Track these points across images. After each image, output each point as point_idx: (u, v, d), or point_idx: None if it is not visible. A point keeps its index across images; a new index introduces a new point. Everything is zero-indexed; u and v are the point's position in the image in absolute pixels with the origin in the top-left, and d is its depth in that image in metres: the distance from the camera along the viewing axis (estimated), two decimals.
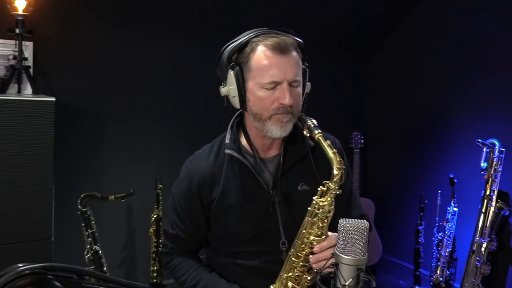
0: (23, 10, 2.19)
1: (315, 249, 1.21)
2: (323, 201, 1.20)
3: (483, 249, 2.38)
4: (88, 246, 2.35)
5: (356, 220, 0.96)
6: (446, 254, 2.67)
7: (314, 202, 1.21)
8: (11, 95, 2.22)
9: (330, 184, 1.19)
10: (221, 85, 1.35)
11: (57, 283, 0.91)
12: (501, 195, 2.44)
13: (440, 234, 2.72)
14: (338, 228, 0.97)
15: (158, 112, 2.81)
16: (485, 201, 2.42)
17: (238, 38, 1.30)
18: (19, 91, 2.30)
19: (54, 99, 2.09)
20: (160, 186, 2.59)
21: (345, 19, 3.18)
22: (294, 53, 1.28)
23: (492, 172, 2.40)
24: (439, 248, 2.71)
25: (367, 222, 0.96)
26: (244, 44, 1.28)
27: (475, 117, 2.86)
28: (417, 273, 2.94)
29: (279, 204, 1.35)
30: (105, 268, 2.37)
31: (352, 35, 3.34)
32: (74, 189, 2.44)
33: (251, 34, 1.29)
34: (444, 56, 3.06)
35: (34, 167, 2.04)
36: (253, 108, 1.30)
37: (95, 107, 2.62)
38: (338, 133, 1.47)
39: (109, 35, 2.60)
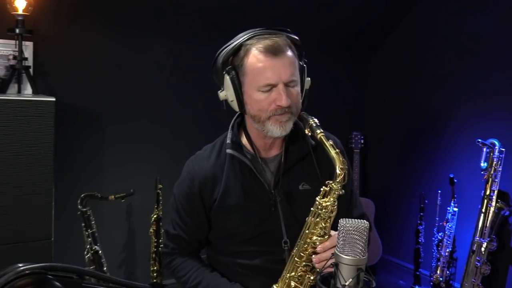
0: (23, 10, 2.19)
1: (318, 249, 1.21)
2: (326, 201, 1.20)
3: (483, 249, 2.38)
4: (88, 246, 2.35)
5: (356, 220, 0.96)
6: (446, 254, 2.67)
7: (317, 202, 1.21)
8: (11, 95, 2.22)
9: (333, 184, 1.19)
10: (220, 90, 1.35)
11: (57, 283, 0.91)
12: (501, 195, 2.44)
13: (440, 234, 2.72)
14: (338, 228, 0.97)
15: (158, 112, 2.81)
16: (485, 201, 2.42)
17: (231, 41, 1.30)
18: (19, 91, 2.30)
19: (54, 99, 2.09)
20: (160, 186, 2.59)
21: (345, 19, 3.18)
22: (289, 53, 1.27)
23: (492, 172, 2.40)
24: (439, 248, 2.71)
25: (367, 222, 0.96)
26: (238, 48, 1.28)
27: (475, 117, 2.86)
28: (417, 273, 2.94)
29: (280, 203, 1.35)
30: (105, 268, 2.37)
31: (352, 35, 3.34)
32: (74, 189, 2.44)
33: (244, 37, 1.28)
34: (444, 56, 3.06)
35: (34, 167, 2.04)
36: (252, 110, 1.31)
37: (95, 107, 2.62)
38: (338, 133, 1.47)
39: (109, 35, 2.60)
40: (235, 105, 1.33)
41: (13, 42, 2.24)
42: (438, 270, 2.68)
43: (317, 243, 1.21)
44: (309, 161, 1.37)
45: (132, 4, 2.60)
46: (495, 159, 2.41)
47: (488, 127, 2.72)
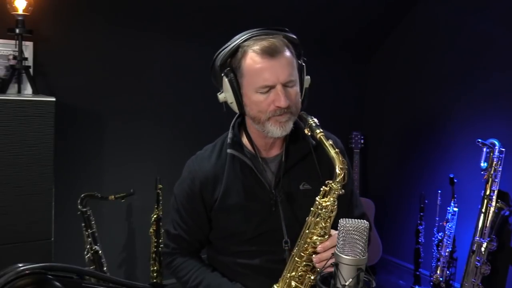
0: (23, 10, 2.19)
1: (318, 249, 1.21)
2: (326, 201, 1.20)
3: (483, 249, 2.38)
4: (88, 246, 2.35)
5: (356, 220, 0.96)
6: (446, 254, 2.67)
7: (317, 202, 1.21)
8: (11, 95, 2.22)
9: (332, 184, 1.19)
10: (219, 92, 1.35)
11: (57, 283, 0.91)
12: (501, 195, 2.44)
13: (440, 234, 2.72)
14: (338, 228, 0.97)
15: (158, 112, 2.81)
16: (485, 201, 2.42)
17: (229, 43, 1.30)
18: (19, 91, 2.30)
19: (54, 99, 2.09)
20: (160, 186, 2.59)
21: (345, 19, 3.18)
22: (286, 53, 1.27)
23: (492, 172, 2.40)
24: (439, 248, 2.71)
25: (367, 222, 0.96)
26: (235, 50, 1.28)
27: (475, 117, 2.86)
28: (417, 273, 2.94)
29: (281, 203, 1.36)
30: (105, 268, 2.37)
31: (352, 35, 3.34)
32: (74, 189, 2.44)
33: (241, 39, 1.28)
34: (444, 56, 3.06)
35: (34, 167, 2.04)
36: (251, 112, 1.31)
37: (95, 107, 2.62)
38: (338, 133, 1.47)
39: (109, 35, 2.60)
40: (234, 107, 1.33)
41: (13, 42, 2.24)
42: (438, 270, 2.68)
43: (317, 243, 1.21)
44: (309, 161, 1.37)
45: (132, 4, 2.60)
46: (495, 159, 2.41)
47: (488, 127, 2.72)
